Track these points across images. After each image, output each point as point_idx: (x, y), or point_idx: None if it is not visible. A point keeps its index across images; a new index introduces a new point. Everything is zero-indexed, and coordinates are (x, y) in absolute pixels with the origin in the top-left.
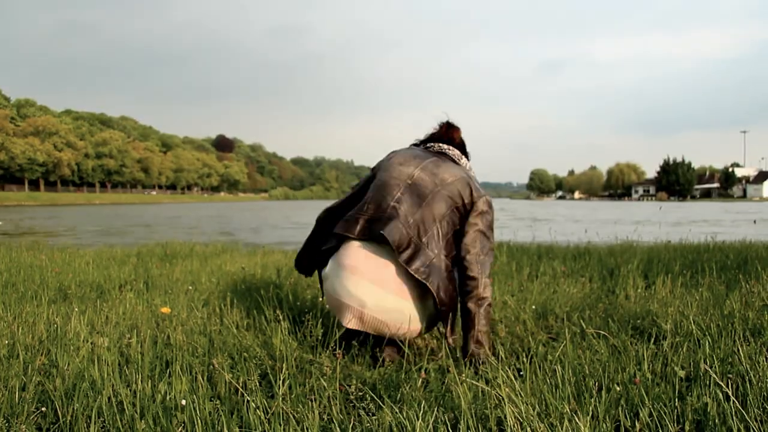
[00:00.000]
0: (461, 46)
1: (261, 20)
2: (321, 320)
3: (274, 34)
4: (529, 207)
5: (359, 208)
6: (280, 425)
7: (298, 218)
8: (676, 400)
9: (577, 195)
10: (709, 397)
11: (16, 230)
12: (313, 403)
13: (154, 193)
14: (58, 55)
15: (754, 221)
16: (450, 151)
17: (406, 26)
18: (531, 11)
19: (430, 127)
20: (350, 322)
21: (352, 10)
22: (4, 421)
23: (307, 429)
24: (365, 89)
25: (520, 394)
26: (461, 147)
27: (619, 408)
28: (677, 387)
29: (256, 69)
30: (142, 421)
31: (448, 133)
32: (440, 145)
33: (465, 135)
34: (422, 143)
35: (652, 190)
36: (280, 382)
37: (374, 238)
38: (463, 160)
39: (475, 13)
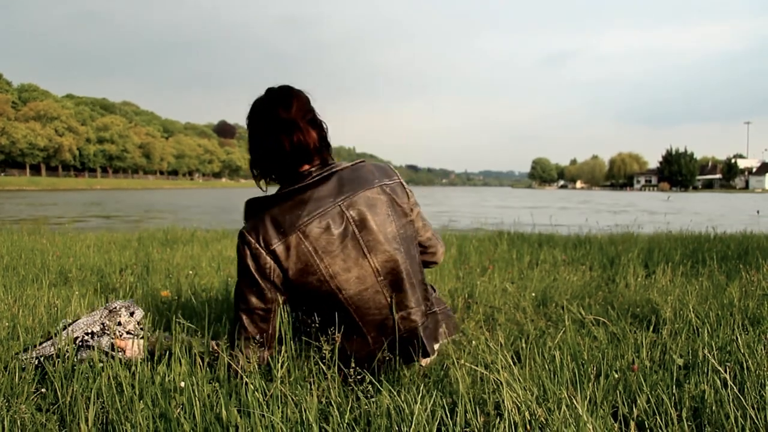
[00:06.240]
0: (472, 37)
1: (273, 9)
2: None
3: (285, 23)
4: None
5: None
6: (279, 407)
7: None
8: (674, 387)
9: (578, 184)
10: (707, 384)
11: None
12: (312, 385)
13: (151, 178)
14: (69, 43)
15: (758, 212)
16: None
17: (419, 18)
18: (541, 3)
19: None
20: None
21: (366, 2)
22: (5, 401)
23: (305, 411)
24: (371, 78)
25: (518, 378)
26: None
27: (617, 394)
28: (675, 374)
29: (264, 58)
30: (141, 402)
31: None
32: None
33: (469, 125)
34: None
35: (654, 180)
36: (279, 365)
37: None
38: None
39: (487, 5)
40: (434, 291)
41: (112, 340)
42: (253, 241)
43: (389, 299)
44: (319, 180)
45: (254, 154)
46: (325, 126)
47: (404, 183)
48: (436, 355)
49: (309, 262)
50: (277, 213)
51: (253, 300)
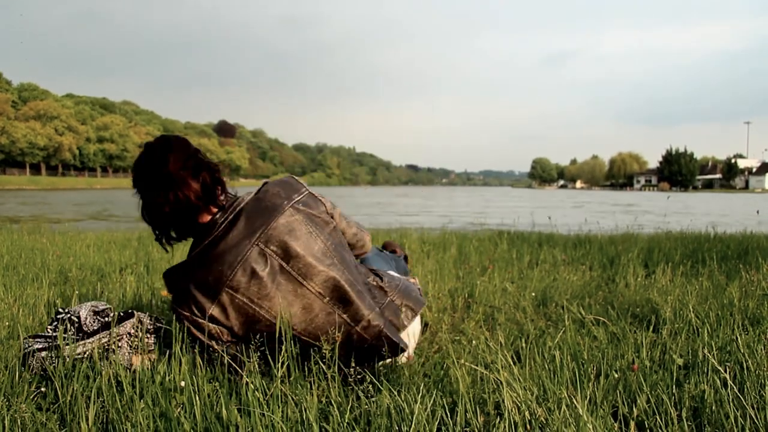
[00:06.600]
0: (472, 37)
1: (273, 9)
2: None
3: (285, 23)
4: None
5: None
6: (279, 407)
7: None
8: (674, 387)
9: (578, 184)
10: (707, 384)
11: None
12: (312, 385)
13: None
14: (69, 43)
15: (757, 211)
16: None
17: (419, 18)
18: (541, 3)
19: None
20: None
21: (367, 1)
22: (5, 400)
23: (305, 410)
24: (372, 78)
25: (518, 378)
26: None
27: (617, 394)
28: (675, 374)
29: (264, 57)
30: (141, 401)
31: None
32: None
33: (469, 125)
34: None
35: (654, 180)
36: (279, 364)
37: None
38: None
39: (487, 5)
40: (382, 279)
41: (130, 353)
42: (188, 314)
43: (343, 316)
44: (227, 226)
45: (144, 215)
46: (213, 166)
47: (313, 192)
48: (413, 343)
49: (249, 312)
50: (200, 277)
51: (226, 356)
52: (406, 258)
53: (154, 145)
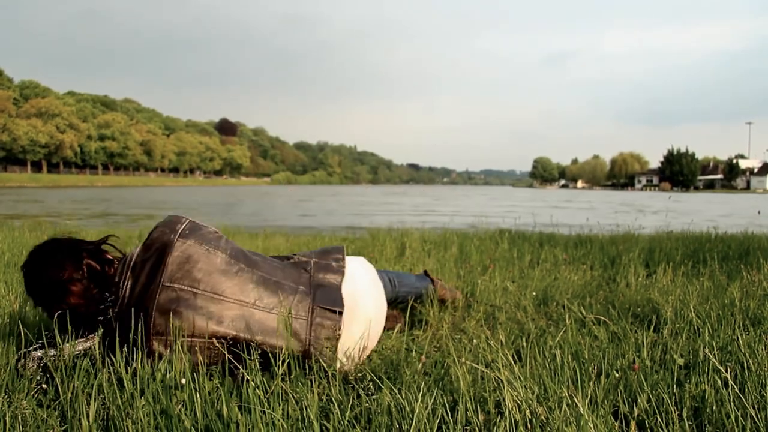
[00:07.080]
0: (472, 37)
1: (274, 8)
2: None
3: (287, 22)
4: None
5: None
6: (280, 405)
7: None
8: (675, 386)
9: (579, 184)
10: (708, 384)
11: None
12: (313, 383)
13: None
14: (70, 41)
15: (758, 212)
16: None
17: (419, 18)
18: (541, 3)
19: None
20: None
21: (367, 1)
22: (6, 396)
23: (306, 408)
24: (372, 78)
25: (519, 377)
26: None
27: (618, 393)
28: (676, 374)
29: (265, 56)
30: (142, 398)
31: None
32: None
33: (470, 124)
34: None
35: (655, 180)
36: (280, 362)
37: None
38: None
39: (487, 5)
40: (294, 255)
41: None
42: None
43: (274, 312)
44: (130, 286)
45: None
46: (97, 248)
47: (194, 220)
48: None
49: (187, 346)
50: (127, 337)
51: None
52: (426, 273)
53: (33, 259)
